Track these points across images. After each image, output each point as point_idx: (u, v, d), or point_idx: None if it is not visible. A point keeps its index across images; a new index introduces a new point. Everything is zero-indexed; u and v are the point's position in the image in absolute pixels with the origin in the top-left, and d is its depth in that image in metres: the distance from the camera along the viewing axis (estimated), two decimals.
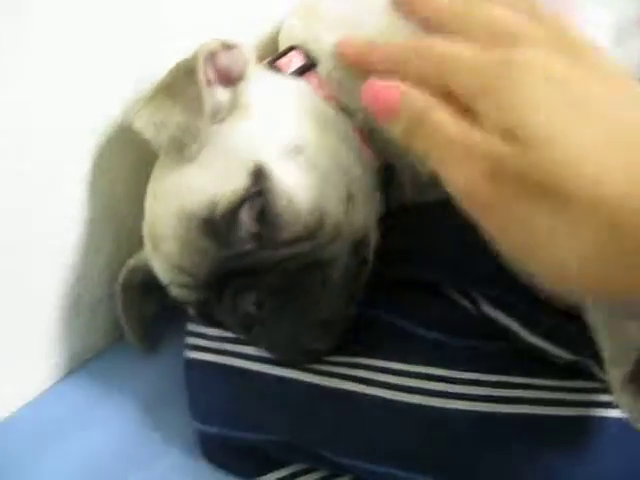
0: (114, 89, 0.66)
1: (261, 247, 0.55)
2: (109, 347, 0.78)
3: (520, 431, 0.54)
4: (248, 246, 0.55)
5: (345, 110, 0.63)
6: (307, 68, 0.65)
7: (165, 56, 0.60)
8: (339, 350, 0.60)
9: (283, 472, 0.61)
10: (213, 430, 0.62)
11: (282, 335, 0.57)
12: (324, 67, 0.64)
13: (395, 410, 0.56)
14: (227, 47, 0.59)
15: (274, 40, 0.74)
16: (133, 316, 0.73)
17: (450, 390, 0.56)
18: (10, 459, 0.67)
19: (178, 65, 0.59)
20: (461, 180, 0.41)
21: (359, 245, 0.58)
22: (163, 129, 0.56)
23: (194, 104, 0.55)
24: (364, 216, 0.59)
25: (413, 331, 0.61)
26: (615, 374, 0.48)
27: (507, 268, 0.49)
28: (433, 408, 0.56)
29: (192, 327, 0.67)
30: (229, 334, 0.63)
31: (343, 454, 0.57)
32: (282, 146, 0.57)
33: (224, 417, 0.62)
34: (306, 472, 0.61)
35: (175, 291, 0.60)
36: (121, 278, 0.71)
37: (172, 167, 0.58)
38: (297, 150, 0.57)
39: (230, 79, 0.60)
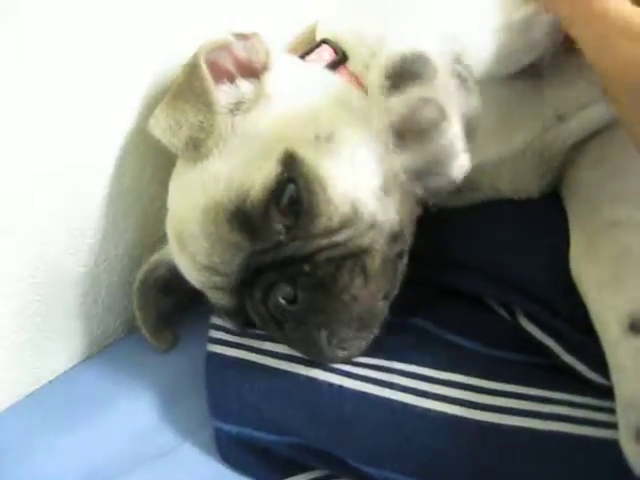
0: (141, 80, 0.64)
1: (295, 238, 0.53)
2: (129, 334, 0.76)
3: (560, 451, 0.50)
4: (281, 237, 0.53)
5: None
6: (338, 63, 0.63)
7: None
8: (371, 352, 0.57)
9: (302, 478, 0.58)
10: (233, 430, 0.59)
11: (316, 332, 0.53)
12: (356, 61, 0.62)
13: (426, 418, 0.53)
14: (242, 37, 0.57)
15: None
16: (149, 315, 0.71)
17: (486, 402, 0.53)
18: (22, 441, 0.65)
19: (185, 65, 0.57)
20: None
21: (396, 237, 0.56)
22: (178, 130, 0.55)
23: (203, 100, 0.54)
24: (400, 209, 0.56)
25: (447, 338, 0.59)
26: (629, 418, 0.46)
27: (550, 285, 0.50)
28: (467, 419, 0.53)
29: (216, 320, 0.65)
30: (254, 330, 0.60)
31: (371, 463, 0.54)
32: (312, 134, 0.55)
33: (245, 416, 0.59)
34: (328, 479, 0.58)
35: (210, 295, 0.57)
36: (140, 274, 0.69)
37: (193, 163, 0.56)
38: (328, 138, 0.55)
39: (253, 70, 0.58)
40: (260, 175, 0.52)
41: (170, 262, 0.62)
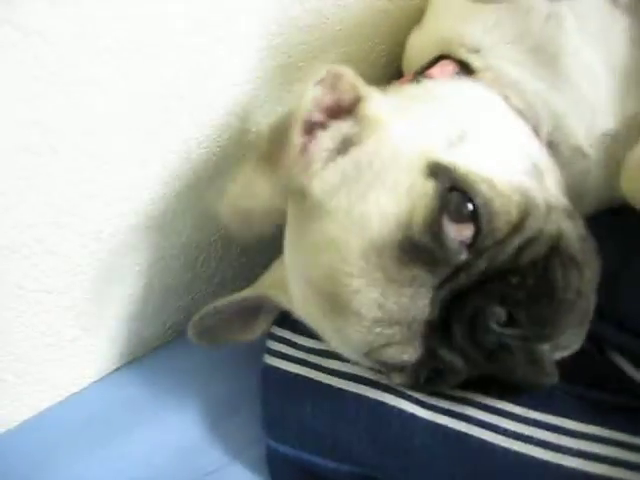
0: None
1: (481, 251, 0.45)
2: (178, 338, 0.72)
3: None
4: (463, 256, 0.45)
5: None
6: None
7: None
8: None
9: None
10: (289, 452, 0.55)
11: (540, 348, 0.46)
12: (486, 77, 0.56)
13: (507, 459, 0.49)
14: (322, 82, 0.50)
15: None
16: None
17: (572, 446, 0.48)
18: (61, 448, 0.62)
19: (273, 128, 0.51)
20: None
21: (571, 214, 0.49)
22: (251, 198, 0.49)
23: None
24: (557, 188, 0.51)
25: None
26: None
27: None
28: (551, 464, 0.48)
29: (278, 331, 0.60)
30: (321, 346, 0.55)
31: None
32: (443, 139, 0.48)
33: (304, 440, 0.55)
34: None
35: (377, 355, 0.48)
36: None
37: (308, 226, 0.50)
38: (460, 137, 0.49)
39: (345, 109, 0.52)
40: (413, 197, 0.46)
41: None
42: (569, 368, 0.52)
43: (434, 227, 0.44)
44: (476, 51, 0.56)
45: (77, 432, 0.63)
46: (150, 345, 0.72)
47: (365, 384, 0.54)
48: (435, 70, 0.57)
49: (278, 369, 0.58)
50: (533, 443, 0.49)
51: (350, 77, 0.51)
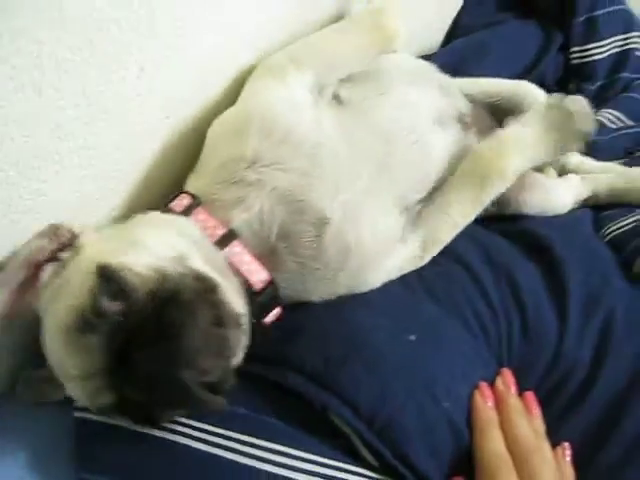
0: None
1: (131, 314, 0.66)
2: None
3: None
4: (119, 319, 0.65)
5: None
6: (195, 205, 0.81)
7: None
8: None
9: None
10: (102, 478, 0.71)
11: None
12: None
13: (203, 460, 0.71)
14: (44, 235, 0.74)
15: None
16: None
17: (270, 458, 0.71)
18: None
19: None
20: None
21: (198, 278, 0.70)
22: None
23: None
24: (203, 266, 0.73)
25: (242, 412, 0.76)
26: None
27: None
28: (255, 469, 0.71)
29: None
30: None
31: None
32: (118, 249, 0.72)
33: (110, 466, 0.71)
34: None
35: (97, 403, 0.68)
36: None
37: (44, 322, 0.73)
38: (130, 245, 0.73)
39: (67, 246, 0.75)
40: (87, 290, 0.67)
41: None
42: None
43: (96, 308, 0.65)
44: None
45: None
46: None
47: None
48: (174, 203, 0.82)
49: (85, 419, 0.74)
50: (239, 453, 0.71)
51: (66, 225, 0.74)
